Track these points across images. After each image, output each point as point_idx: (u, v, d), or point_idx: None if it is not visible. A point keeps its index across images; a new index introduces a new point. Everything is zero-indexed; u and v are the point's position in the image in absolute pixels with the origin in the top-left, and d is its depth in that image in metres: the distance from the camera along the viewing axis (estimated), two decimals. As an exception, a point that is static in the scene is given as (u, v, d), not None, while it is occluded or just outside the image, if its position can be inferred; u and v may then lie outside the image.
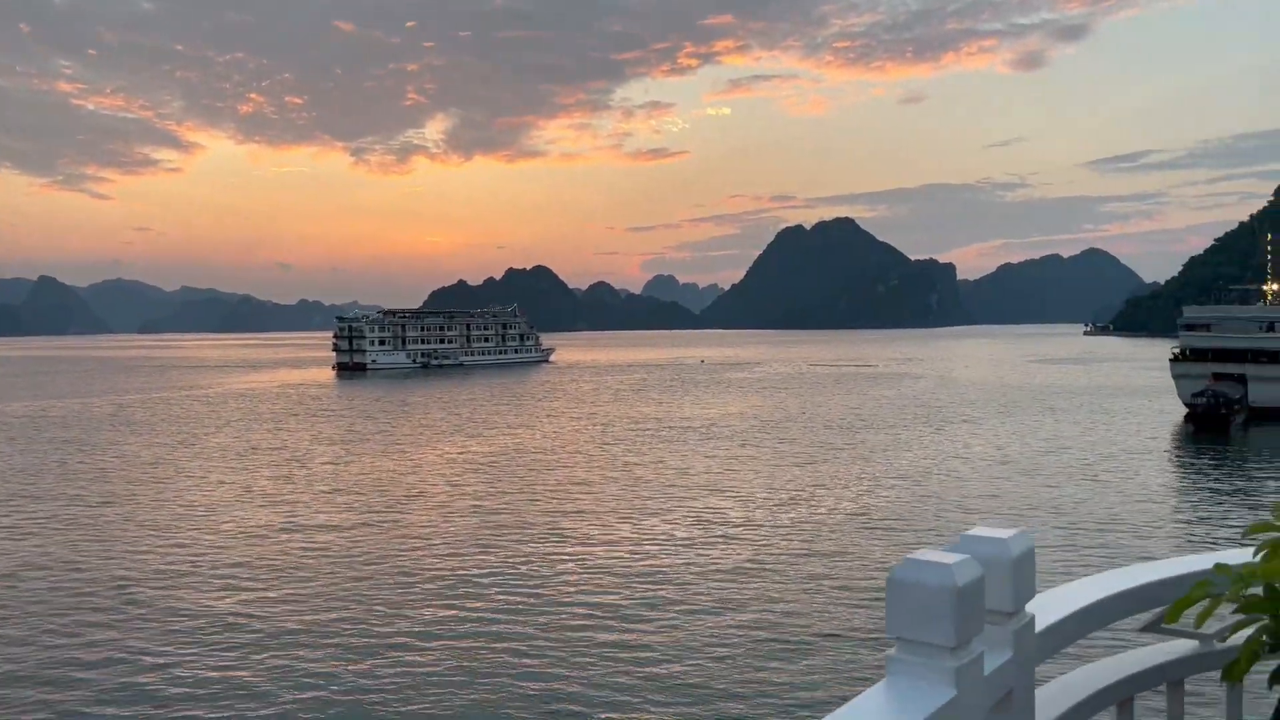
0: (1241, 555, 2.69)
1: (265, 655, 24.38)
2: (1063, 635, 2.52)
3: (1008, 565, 2.16)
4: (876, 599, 28.41)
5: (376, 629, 26.35)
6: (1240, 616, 2.36)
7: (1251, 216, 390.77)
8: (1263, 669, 2.30)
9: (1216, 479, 50.57)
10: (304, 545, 36.54)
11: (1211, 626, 2.83)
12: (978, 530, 2.24)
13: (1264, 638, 2.29)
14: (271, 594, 29.91)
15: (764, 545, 35.55)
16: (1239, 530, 35.47)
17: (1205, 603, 2.37)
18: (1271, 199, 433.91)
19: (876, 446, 63.57)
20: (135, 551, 35.69)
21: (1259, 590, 2.29)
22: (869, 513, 41.38)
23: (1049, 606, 2.54)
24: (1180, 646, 3.00)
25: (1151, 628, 2.93)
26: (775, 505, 43.30)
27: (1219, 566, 2.36)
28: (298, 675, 23.00)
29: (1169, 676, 2.96)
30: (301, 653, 24.53)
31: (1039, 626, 2.34)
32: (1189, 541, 35.91)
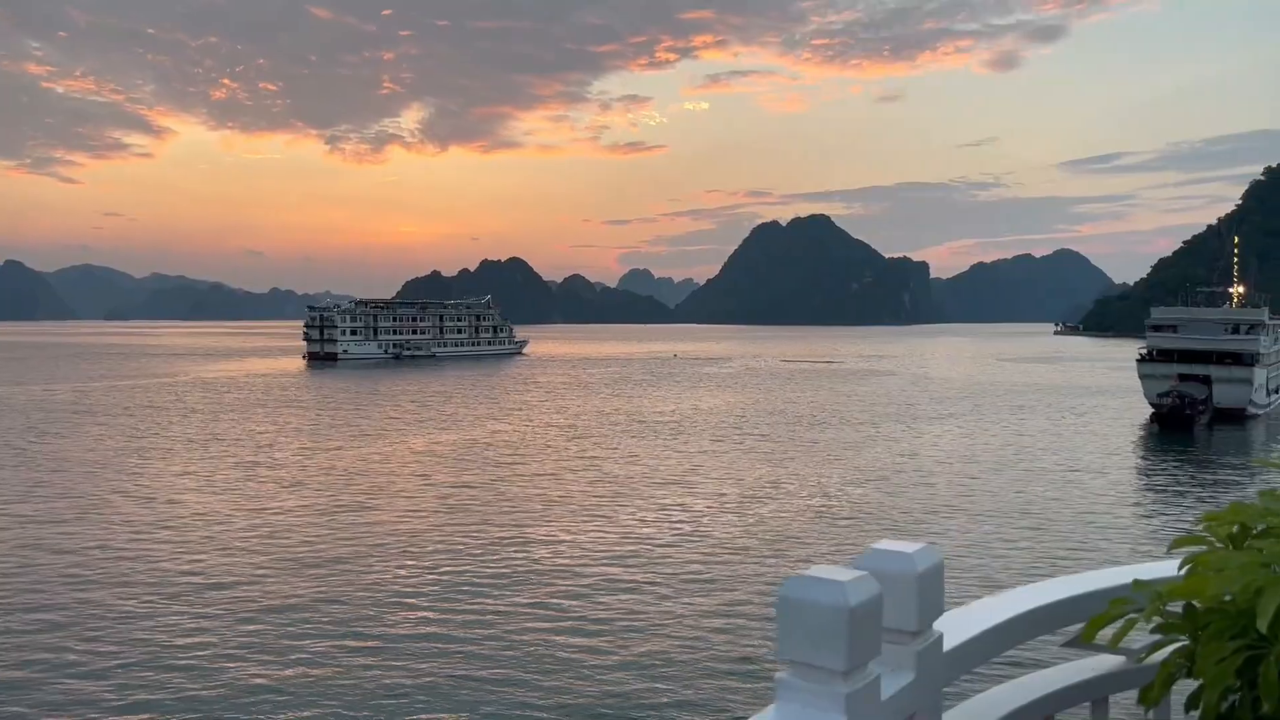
0: (1166, 568, 2.55)
1: (221, 652, 23.92)
2: (973, 655, 2.37)
3: (911, 581, 2.03)
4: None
5: (329, 625, 25.94)
6: (1158, 637, 2.23)
7: (1219, 220, 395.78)
8: (1186, 689, 2.14)
9: (1179, 479, 50.94)
10: (265, 539, 35.99)
11: (1136, 641, 2.63)
12: (883, 544, 2.11)
13: (1180, 659, 2.15)
14: (229, 589, 29.40)
15: (728, 544, 35.36)
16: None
17: (1124, 620, 2.25)
18: (1239, 203, 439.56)
19: (846, 443, 63.64)
20: (92, 545, 35.01)
21: (1179, 608, 2.16)
22: (835, 511, 41.33)
23: (959, 625, 2.38)
24: (1105, 662, 2.81)
25: (1075, 643, 2.75)
26: (741, 503, 43.13)
27: (1137, 583, 2.23)
28: (253, 672, 22.57)
29: (1092, 694, 2.79)
30: (259, 652, 24.08)
31: (947, 646, 2.22)
32: (1150, 541, 36.06)
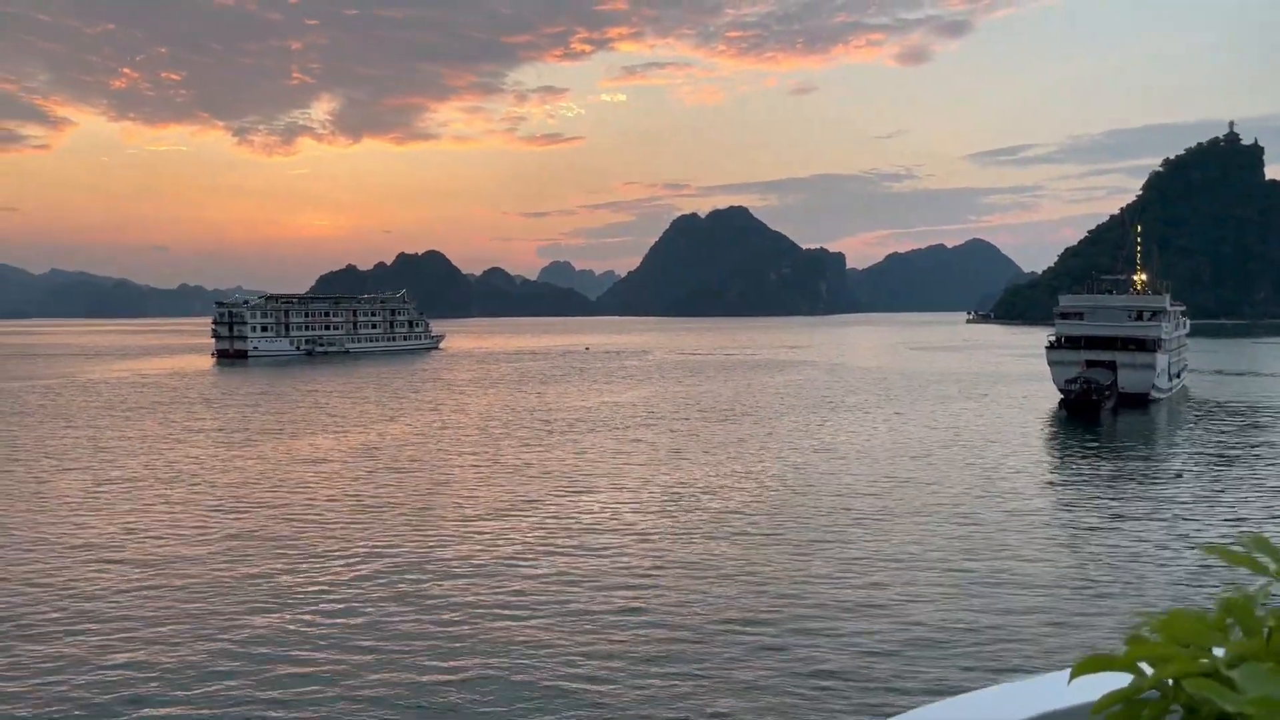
0: (1068, 696, 1.82)
1: (104, 679, 21.64)
2: None
3: None
4: (726, 627, 27.19)
5: (202, 642, 23.81)
6: None
7: (1122, 209, 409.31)
8: None
9: (1088, 467, 51.13)
10: (155, 549, 33.44)
11: None
12: None
13: None
14: (117, 600, 26.97)
15: (616, 557, 33.97)
16: (1104, 517, 35.15)
17: None
18: (1140, 193, 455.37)
19: (757, 439, 62.81)
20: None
21: None
22: (739, 515, 40.08)
23: None
24: None
25: None
26: (637, 509, 41.30)
27: None
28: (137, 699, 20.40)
29: None
30: (146, 671, 21.86)
31: None
32: (1059, 534, 35.71)
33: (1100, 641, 23.90)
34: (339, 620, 26.00)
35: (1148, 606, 25.60)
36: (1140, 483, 46.02)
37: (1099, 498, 42.40)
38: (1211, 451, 55.77)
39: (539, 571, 30.54)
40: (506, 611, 26.59)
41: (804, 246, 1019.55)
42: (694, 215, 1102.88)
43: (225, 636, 24.75)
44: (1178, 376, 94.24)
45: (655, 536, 35.12)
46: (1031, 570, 30.07)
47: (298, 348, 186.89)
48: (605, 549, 33.30)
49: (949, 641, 23.88)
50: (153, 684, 21.71)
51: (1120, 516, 38.28)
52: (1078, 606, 26.56)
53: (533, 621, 25.71)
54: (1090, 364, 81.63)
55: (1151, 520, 37.51)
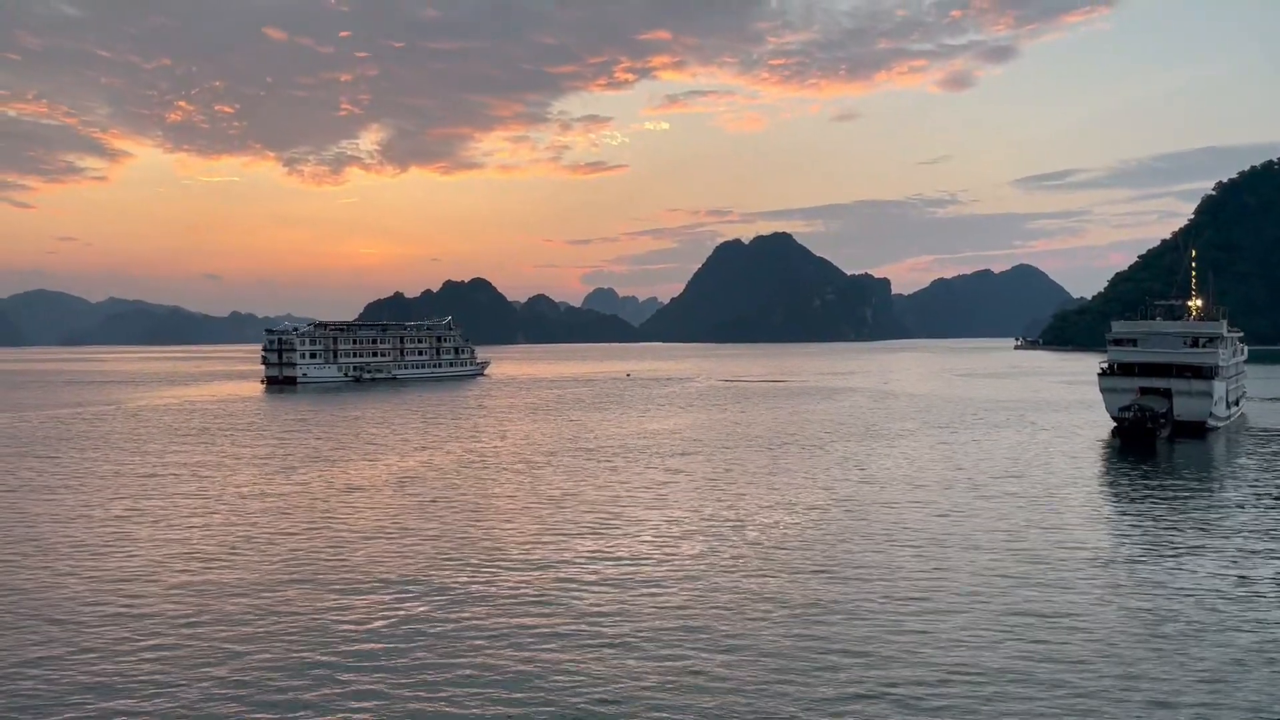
0: None
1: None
2: None
3: None
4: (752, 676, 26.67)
5: (239, 671, 23.78)
6: None
7: (1174, 234, 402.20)
8: None
9: (1144, 499, 49.78)
10: (197, 575, 33.68)
11: None
12: None
13: None
14: (155, 626, 27.12)
15: (658, 591, 33.49)
16: (1162, 551, 34.08)
17: None
18: (1192, 217, 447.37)
19: (802, 468, 62.07)
20: (6, 592, 32.48)
21: None
22: (784, 549, 39.40)
23: None
24: None
25: None
26: (679, 539, 40.55)
27: None
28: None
29: None
30: (182, 690, 21.88)
31: None
32: (1117, 569, 34.72)
33: (1172, 687, 23.10)
34: (378, 645, 25.89)
35: (1221, 647, 24.69)
36: (1199, 515, 44.65)
37: (1156, 531, 41.20)
38: (1272, 483, 54.07)
39: (579, 604, 30.21)
40: (546, 643, 26.31)
41: (848, 272, 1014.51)
42: (737, 242, 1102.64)
43: (262, 665, 24.74)
44: (1235, 404, 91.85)
45: (699, 569, 34.65)
46: (1091, 611, 29.13)
47: (346, 374, 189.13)
48: (646, 584, 32.88)
49: (1009, 686, 23.23)
50: (189, 705, 21.72)
51: (1179, 551, 37.14)
52: (1140, 650, 25.72)
53: (571, 654, 25.40)
54: (1144, 391, 79.84)
55: (1211, 555, 36.34)
